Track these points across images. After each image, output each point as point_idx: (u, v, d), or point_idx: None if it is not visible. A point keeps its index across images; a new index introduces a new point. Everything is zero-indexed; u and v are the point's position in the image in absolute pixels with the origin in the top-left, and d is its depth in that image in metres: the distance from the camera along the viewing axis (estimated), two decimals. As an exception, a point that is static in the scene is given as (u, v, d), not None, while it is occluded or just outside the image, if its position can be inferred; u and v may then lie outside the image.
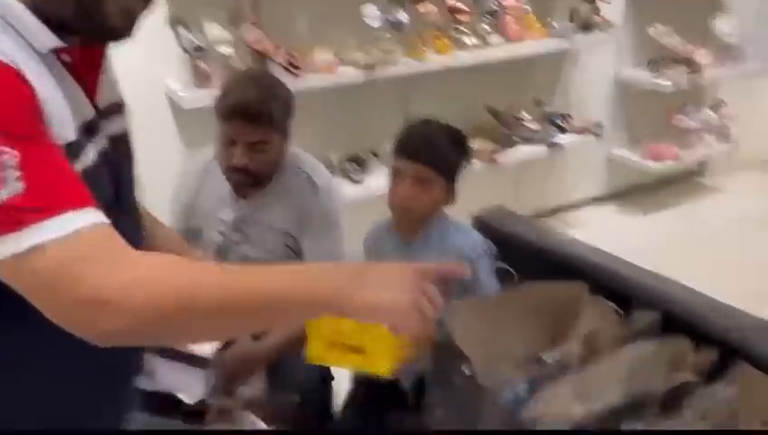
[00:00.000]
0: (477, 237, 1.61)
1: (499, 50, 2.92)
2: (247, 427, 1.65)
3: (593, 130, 3.37)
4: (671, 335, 1.37)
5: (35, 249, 0.69)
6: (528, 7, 3.04)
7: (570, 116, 3.38)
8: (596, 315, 1.39)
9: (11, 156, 0.69)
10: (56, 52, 0.80)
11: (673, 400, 1.21)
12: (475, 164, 3.03)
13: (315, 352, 1.16)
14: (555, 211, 3.67)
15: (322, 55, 2.57)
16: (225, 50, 2.42)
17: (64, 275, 0.70)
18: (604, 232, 3.26)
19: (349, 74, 2.63)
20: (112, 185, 0.91)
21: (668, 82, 3.40)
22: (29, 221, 0.69)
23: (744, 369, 1.25)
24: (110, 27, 0.80)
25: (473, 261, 1.55)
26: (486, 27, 2.92)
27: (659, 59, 3.48)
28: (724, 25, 3.59)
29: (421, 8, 2.77)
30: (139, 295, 0.71)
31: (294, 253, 1.78)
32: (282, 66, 2.45)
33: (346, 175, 2.84)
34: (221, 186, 1.81)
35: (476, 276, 1.56)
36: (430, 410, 1.52)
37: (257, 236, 1.79)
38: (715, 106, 3.82)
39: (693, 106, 3.71)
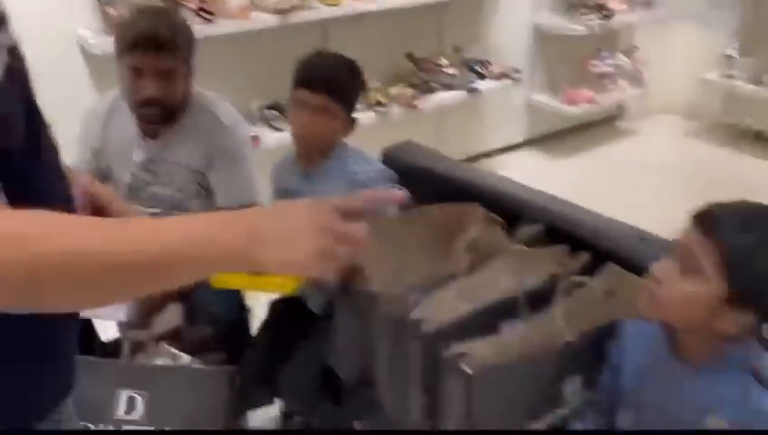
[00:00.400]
0: (376, 165, 1.68)
1: (414, -5, 2.97)
2: (165, 357, 1.71)
3: (511, 75, 3.47)
4: (552, 245, 1.49)
5: None
6: (444, -46, 3.09)
7: (488, 62, 3.47)
8: (483, 229, 1.49)
9: None
10: None
11: (546, 297, 1.33)
12: (395, 110, 3.11)
13: (219, 277, 1.22)
14: (478, 157, 3.78)
15: (235, 1, 2.57)
16: (135, -5, 2.40)
17: None
18: (525, 175, 3.36)
19: (263, 19, 2.64)
20: (23, 103, 0.82)
21: (582, 27, 3.51)
22: None
23: (612, 268, 1.37)
24: None
25: (370, 186, 1.63)
26: (402, -27, 2.96)
27: (574, 5, 3.59)
28: (634, -28, 3.72)
29: (336, -46, 2.79)
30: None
31: (205, 190, 1.83)
32: (193, 11, 2.44)
33: (267, 122, 2.87)
34: (129, 127, 1.83)
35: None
36: (337, 329, 1.61)
37: (167, 175, 1.82)
38: (629, 51, 3.97)
39: (607, 52, 3.85)
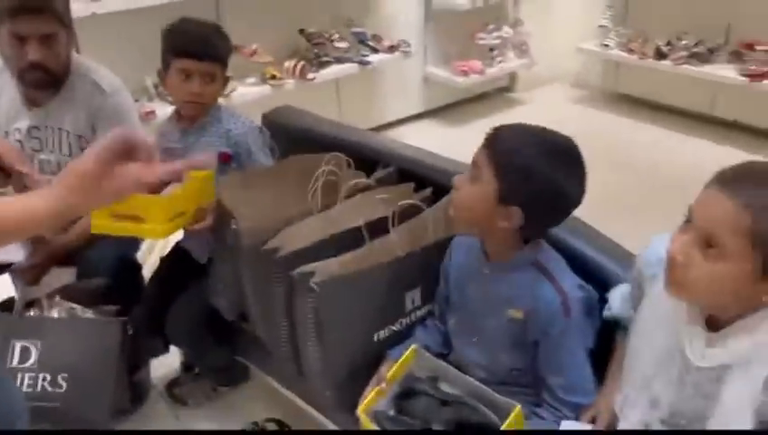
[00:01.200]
0: (248, 121, 1.84)
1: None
2: (61, 310, 1.83)
3: (401, 48, 3.67)
4: (400, 184, 1.69)
5: None
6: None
7: (380, 37, 3.66)
8: (340, 173, 1.68)
9: None
10: None
11: (386, 224, 1.52)
12: (290, 84, 3.26)
13: (99, 221, 1.36)
14: (378, 128, 3.97)
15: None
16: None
17: None
18: (422, 144, 3.60)
19: (153, -4, 2.74)
20: None
21: (466, 2, 3.75)
22: None
23: (447, 199, 1.58)
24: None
25: (243, 141, 1.79)
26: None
27: (459, -19, 3.81)
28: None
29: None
30: None
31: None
32: (79, -10, 2.52)
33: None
34: (13, 97, 1.92)
35: (248, 155, 1.81)
36: (215, 270, 1.77)
37: (52, 141, 1.93)
38: (514, 24, 4.24)
39: (493, 25, 4.10)
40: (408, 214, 1.53)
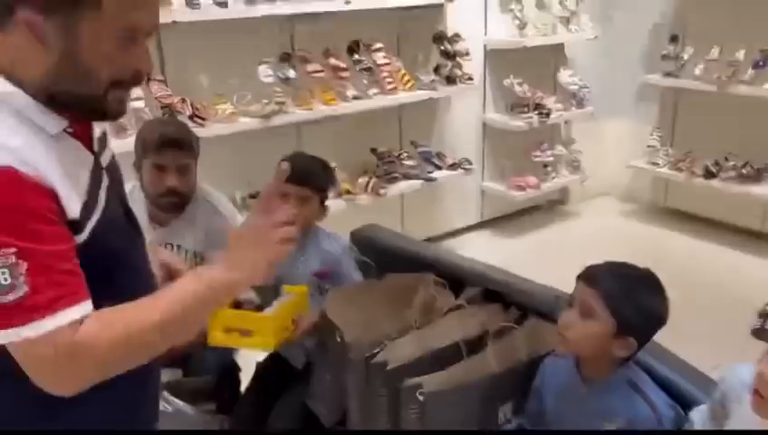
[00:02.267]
0: (342, 240, 2.07)
1: (375, 100, 3.45)
2: (167, 405, 2.00)
3: (463, 165, 3.94)
4: (489, 303, 1.87)
5: (46, 336, 0.90)
6: (400, 64, 3.60)
7: (443, 154, 3.95)
8: (432, 291, 1.87)
9: (8, 262, 0.87)
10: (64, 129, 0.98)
11: (482, 343, 1.69)
12: (363, 198, 3.53)
13: (214, 337, 1.59)
14: (439, 238, 4.20)
15: (223, 107, 3.01)
16: (138, 104, 2.82)
17: (62, 356, 0.91)
18: (479, 253, 3.78)
19: (247, 123, 3.08)
20: (121, 206, 1.12)
21: (523, 123, 4.04)
22: (20, 321, 0.89)
23: (534, 319, 1.75)
24: (108, 112, 1.01)
25: (339, 259, 2.01)
26: (365, 82, 3.45)
27: (517, 105, 4.12)
28: (566, 77, 4.30)
29: (309, 67, 3.28)
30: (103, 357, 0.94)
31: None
32: (188, 117, 2.86)
33: (248, 209, 3.26)
34: (140, 216, 2.19)
35: (342, 271, 2.02)
36: (315, 378, 1.94)
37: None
38: (567, 143, 4.51)
39: (548, 143, 4.37)
40: (502, 333, 1.70)
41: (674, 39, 4.26)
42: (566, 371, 1.57)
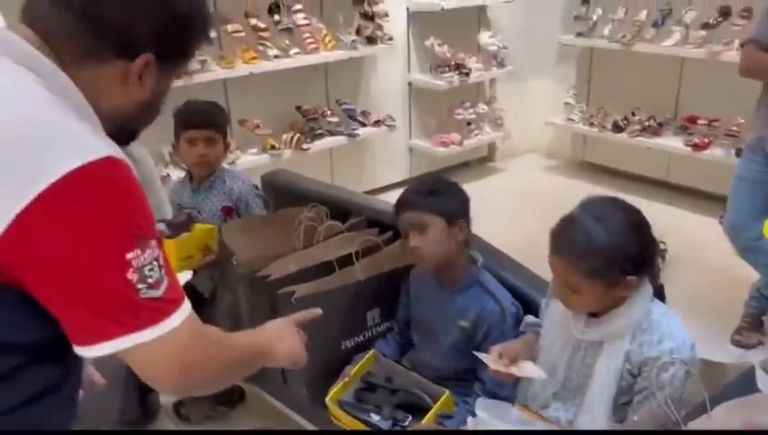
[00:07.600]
0: (246, 179, 2.30)
1: (296, 59, 3.65)
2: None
3: (386, 122, 4.17)
4: (367, 229, 2.12)
5: (184, 322, 0.89)
6: (321, 26, 3.80)
7: (368, 112, 4.17)
8: (318, 220, 2.11)
9: (156, 253, 0.86)
10: None
11: (351, 259, 1.94)
12: (286, 153, 3.75)
13: None
14: (368, 193, 4.43)
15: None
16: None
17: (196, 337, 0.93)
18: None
19: (170, 81, 3.25)
20: None
21: (443, 82, 4.28)
22: (170, 311, 0.87)
23: (399, 240, 2.00)
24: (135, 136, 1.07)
25: (243, 196, 2.24)
26: (287, 42, 3.64)
27: (437, 65, 4.35)
28: (486, 38, 4.55)
29: (230, 27, 3.46)
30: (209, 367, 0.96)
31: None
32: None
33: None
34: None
35: (246, 207, 2.25)
36: (218, 299, 2.18)
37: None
38: (489, 102, 4.77)
39: (470, 102, 4.62)
40: (371, 251, 1.95)
41: (585, 1, 4.52)
42: (426, 281, 1.83)
